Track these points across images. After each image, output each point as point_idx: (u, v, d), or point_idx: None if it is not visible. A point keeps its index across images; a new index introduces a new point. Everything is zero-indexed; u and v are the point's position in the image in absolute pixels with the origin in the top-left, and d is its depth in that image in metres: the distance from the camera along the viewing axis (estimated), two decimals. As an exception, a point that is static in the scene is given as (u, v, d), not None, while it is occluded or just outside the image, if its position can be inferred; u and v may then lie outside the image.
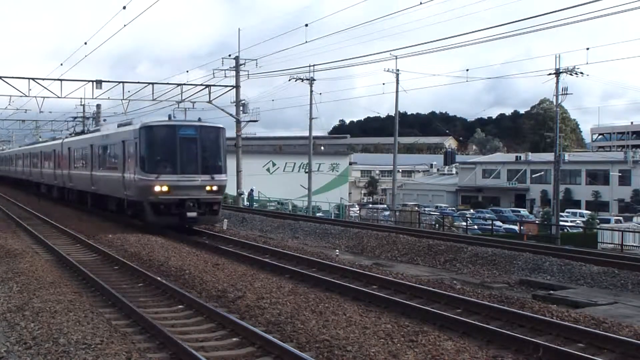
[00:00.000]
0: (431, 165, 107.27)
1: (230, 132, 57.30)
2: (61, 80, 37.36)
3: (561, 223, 44.92)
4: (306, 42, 34.74)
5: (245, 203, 50.30)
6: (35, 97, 39.18)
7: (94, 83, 37.09)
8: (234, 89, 44.74)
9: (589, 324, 10.97)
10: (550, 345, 9.10)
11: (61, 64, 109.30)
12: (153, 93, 39.14)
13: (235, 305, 12.97)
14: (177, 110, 50.73)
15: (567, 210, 63.28)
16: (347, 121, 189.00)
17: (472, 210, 62.20)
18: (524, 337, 9.57)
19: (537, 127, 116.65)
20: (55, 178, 41.11)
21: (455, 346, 9.68)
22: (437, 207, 66.68)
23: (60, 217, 31.95)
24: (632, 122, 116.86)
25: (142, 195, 24.43)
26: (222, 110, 45.59)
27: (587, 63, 58.70)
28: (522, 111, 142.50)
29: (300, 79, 51.32)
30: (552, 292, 14.02)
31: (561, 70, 44.20)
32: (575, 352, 8.82)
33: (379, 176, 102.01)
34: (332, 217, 47.92)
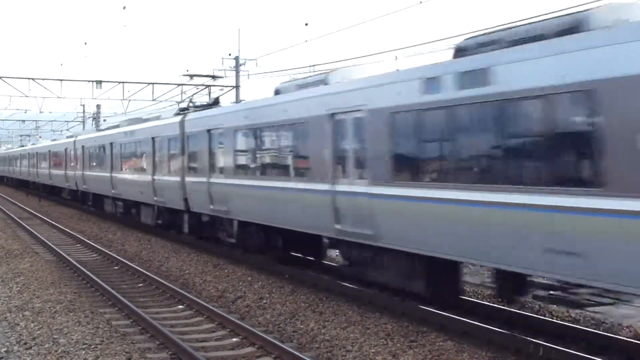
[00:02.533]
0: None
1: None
2: (61, 80, 37.35)
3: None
4: (306, 41, 34.73)
5: None
6: (35, 97, 39.16)
7: (94, 83, 37.09)
8: (234, 89, 44.74)
9: (588, 324, 10.97)
10: (550, 345, 9.09)
11: (61, 64, 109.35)
12: (153, 93, 39.13)
13: (235, 305, 12.97)
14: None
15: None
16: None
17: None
18: (524, 337, 9.56)
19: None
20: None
21: (455, 346, 9.69)
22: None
23: (60, 217, 31.97)
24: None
25: None
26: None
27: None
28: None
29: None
30: (552, 292, 14.00)
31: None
32: (575, 352, 8.81)
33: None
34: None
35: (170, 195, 20.83)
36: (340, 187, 12.26)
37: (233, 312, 12.25)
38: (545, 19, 9.36)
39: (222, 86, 43.04)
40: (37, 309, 12.25)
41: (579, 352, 8.87)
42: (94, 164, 30.93)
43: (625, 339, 9.64)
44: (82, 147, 33.37)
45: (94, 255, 19.82)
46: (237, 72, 45.48)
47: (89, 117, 63.29)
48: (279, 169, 14.56)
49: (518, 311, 11.52)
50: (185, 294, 13.43)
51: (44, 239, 22.33)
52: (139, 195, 24.00)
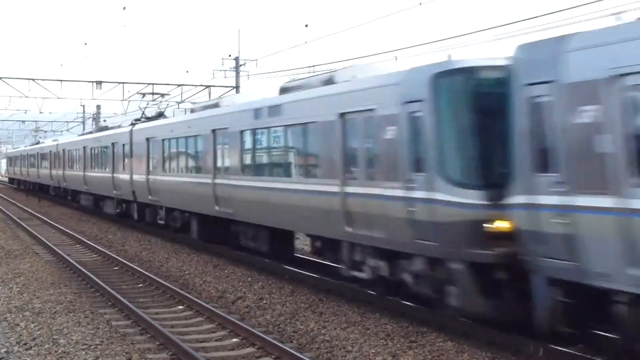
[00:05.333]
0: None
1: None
2: (61, 80, 37.35)
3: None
4: (306, 42, 34.72)
5: None
6: (35, 97, 39.18)
7: (94, 84, 37.09)
8: (234, 89, 44.74)
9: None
10: (550, 345, 9.09)
11: (61, 65, 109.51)
12: (153, 93, 39.12)
13: (235, 306, 12.97)
14: (178, 111, 50.74)
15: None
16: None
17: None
18: (524, 337, 9.56)
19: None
20: None
21: (455, 346, 9.69)
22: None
23: (60, 218, 31.97)
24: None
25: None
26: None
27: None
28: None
29: (300, 79, 51.20)
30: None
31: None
32: (575, 353, 8.81)
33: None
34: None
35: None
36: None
37: (233, 313, 12.24)
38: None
39: (223, 86, 43.04)
40: (37, 309, 12.24)
41: (578, 352, 8.86)
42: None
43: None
44: (241, 132, 16.53)
45: (94, 255, 19.82)
46: (237, 73, 45.44)
47: (89, 118, 63.31)
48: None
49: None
50: (185, 294, 13.43)
51: (44, 240, 22.33)
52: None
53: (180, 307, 12.91)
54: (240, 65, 45.32)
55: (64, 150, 39.54)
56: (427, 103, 9.94)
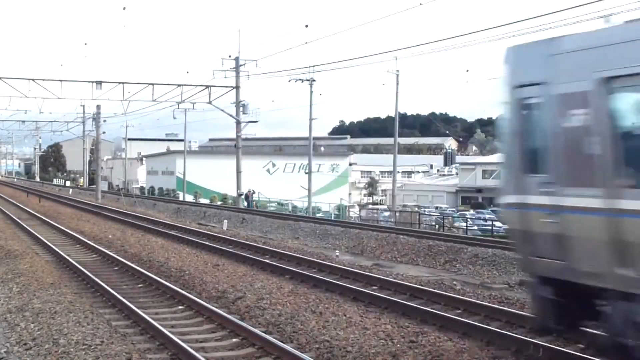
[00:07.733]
0: (431, 166, 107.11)
1: (230, 133, 57.48)
2: (61, 80, 37.39)
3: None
4: (306, 43, 34.76)
5: (244, 204, 50.36)
6: (35, 97, 39.21)
7: (94, 84, 37.13)
8: (234, 89, 44.83)
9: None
10: (551, 345, 9.10)
11: (61, 65, 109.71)
12: (153, 94, 39.19)
13: (235, 306, 12.97)
14: (178, 111, 50.80)
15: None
16: (347, 122, 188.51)
17: (472, 211, 62.07)
18: (524, 337, 9.57)
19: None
20: None
21: (455, 347, 9.69)
22: (437, 207, 66.58)
23: (60, 218, 31.96)
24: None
25: None
26: (222, 111, 45.76)
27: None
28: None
29: (300, 79, 51.28)
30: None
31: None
32: (575, 353, 8.82)
33: (379, 177, 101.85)
34: (332, 218, 47.96)
35: None
36: None
37: (233, 313, 12.24)
38: None
39: (223, 87, 43.02)
40: (37, 309, 12.23)
41: (578, 352, 8.87)
42: None
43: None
44: None
45: (94, 255, 19.81)
46: (237, 73, 45.35)
47: (89, 118, 63.33)
48: None
49: (518, 311, 11.54)
50: (186, 294, 13.43)
51: (43, 240, 22.33)
52: None
53: (180, 307, 12.91)
54: (240, 66, 45.27)
55: None
56: None
